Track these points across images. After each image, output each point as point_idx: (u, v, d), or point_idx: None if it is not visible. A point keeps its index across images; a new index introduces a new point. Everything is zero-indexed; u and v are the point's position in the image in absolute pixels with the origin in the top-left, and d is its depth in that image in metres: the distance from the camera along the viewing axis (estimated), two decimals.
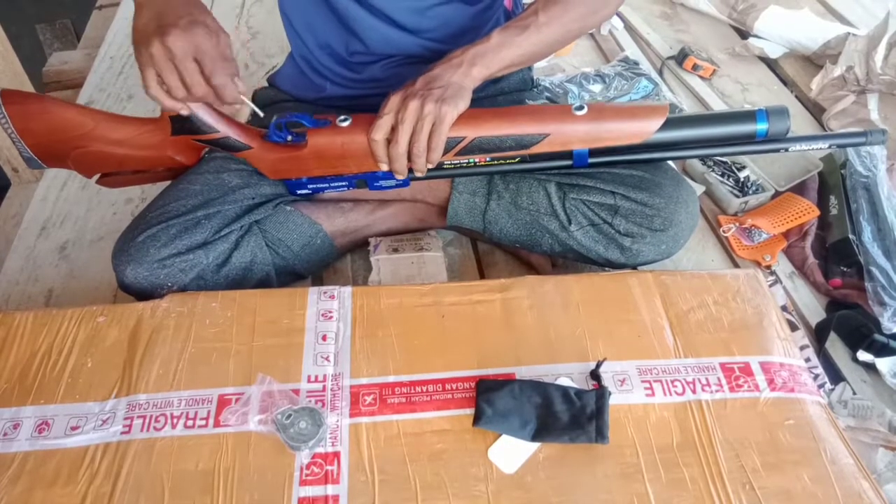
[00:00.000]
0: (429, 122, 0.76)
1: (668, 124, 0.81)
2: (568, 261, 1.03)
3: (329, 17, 0.94)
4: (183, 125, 0.82)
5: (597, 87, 1.41)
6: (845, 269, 1.07)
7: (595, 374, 0.74)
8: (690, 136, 0.83)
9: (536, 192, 0.94)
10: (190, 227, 0.85)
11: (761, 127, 0.81)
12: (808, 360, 0.91)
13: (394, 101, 0.78)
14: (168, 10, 0.73)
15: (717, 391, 0.74)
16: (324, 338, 0.77)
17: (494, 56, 0.81)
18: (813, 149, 0.85)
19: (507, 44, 0.82)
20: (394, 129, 0.78)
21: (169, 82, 0.72)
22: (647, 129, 0.81)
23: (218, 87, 0.73)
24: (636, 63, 1.47)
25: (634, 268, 0.98)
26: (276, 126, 0.84)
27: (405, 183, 0.88)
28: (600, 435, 0.68)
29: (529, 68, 1.09)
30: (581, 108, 0.81)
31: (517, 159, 0.85)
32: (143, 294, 0.84)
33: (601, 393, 0.71)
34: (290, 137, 0.85)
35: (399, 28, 0.93)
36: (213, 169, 0.91)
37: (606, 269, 0.98)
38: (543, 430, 0.69)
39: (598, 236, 0.93)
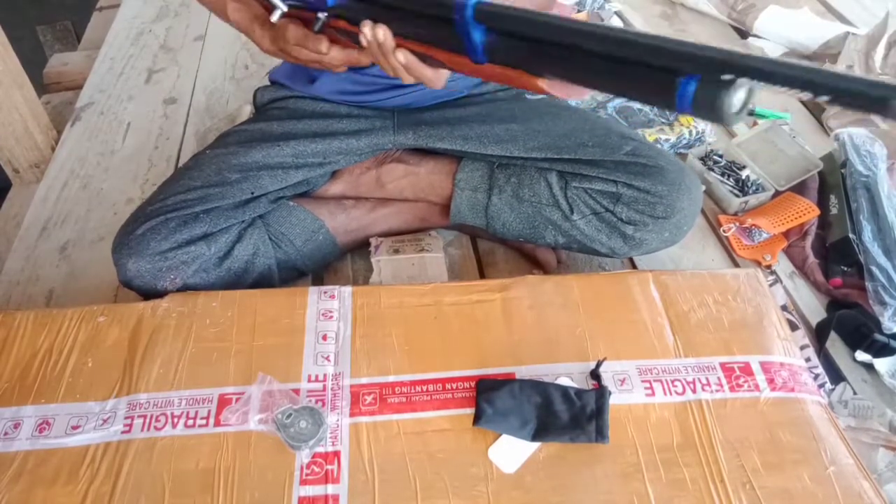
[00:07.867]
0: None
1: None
2: (573, 253, 1.03)
3: None
4: None
5: None
6: (846, 269, 1.07)
7: (595, 374, 0.74)
8: None
9: (538, 182, 0.94)
10: (189, 220, 0.85)
11: None
12: (808, 359, 0.91)
13: None
14: None
15: (717, 391, 0.74)
16: (324, 337, 0.77)
17: None
18: None
19: None
20: None
21: None
22: None
23: None
24: None
25: (634, 266, 0.98)
26: None
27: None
28: (600, 435, 0.68)
29: None
30: None
31: None
32: (145, 288, 0.84)
33: (601, 392, 0.71)
34: None
35: None
36: (215, 165, 0.91)
37: (608, 267, 0.98)
38: (543, 429, 0.69)
39: (601, 225, 0.92)
